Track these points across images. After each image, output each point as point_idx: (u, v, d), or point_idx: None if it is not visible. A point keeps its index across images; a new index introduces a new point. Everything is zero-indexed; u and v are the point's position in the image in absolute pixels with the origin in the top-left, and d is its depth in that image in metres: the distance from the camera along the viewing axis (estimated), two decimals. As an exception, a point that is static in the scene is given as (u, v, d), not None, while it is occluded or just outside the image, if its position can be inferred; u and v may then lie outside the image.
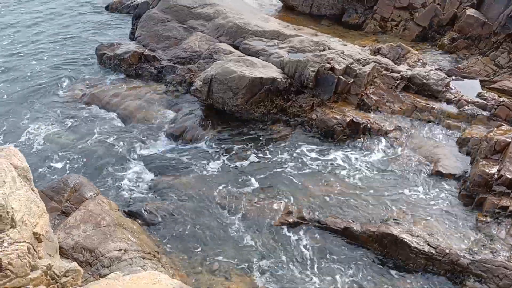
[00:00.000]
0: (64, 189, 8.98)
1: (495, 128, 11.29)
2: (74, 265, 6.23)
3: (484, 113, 12.36)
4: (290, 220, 10.16)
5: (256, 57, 15.17)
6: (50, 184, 9.51)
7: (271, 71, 14.18)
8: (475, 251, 8.90)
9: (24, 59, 18.76)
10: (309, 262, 9.24)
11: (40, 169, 11.98)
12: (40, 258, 5.70)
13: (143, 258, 7.95)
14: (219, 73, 13.85)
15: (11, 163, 5.94)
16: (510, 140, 10.43)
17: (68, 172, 11.77)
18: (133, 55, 16.80)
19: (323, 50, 14.98)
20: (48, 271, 5.69)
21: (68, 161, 12.40)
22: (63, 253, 7.47)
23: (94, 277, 7.14)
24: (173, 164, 12.21)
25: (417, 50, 15.92)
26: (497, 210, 9.55)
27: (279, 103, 13.92)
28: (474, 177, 10.20)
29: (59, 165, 12.18)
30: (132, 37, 19.22)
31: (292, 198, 10.72)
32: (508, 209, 9.42)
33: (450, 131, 12.29)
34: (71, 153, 12.74)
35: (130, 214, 10.10)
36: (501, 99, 12.60)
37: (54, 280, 5.75)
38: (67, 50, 19.50)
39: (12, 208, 5.44)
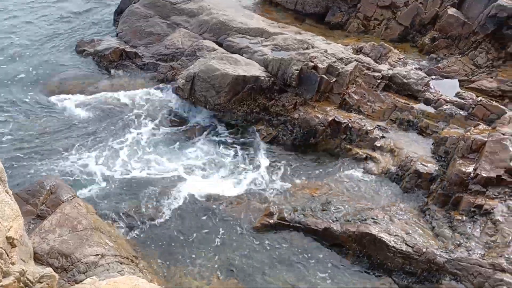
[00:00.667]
0: (40, 192, 8.79)
1: (472, 128, 11.47)
2: (49, 270, 6.14)
3: (462, 112, 12.55)
4: (271, 221, 10.20)
5: (240, 54, 15.13)
6: (25, 187, 9.29)
7: (254, 69, 14.15)
8: (451, 249, 9.08)
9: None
10: (289, 263, 9.30)
11: (13, 167, 11.67)
12: (13, 263, 5.60)
13: (121, 263, 7.87)
14: (202, 70, 13.78)
15: (-17, 167, 5.81)
16: (486, 139, 10.61)
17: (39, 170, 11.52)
18: (114, 52, 16.56)
19: (307, 48, 15.00)
20: (22, 277, 5.59)
21: (38, 157, 12.07)
22: (38, 258, 7.34)
23: (69, 283, 7.04)
24: (151, 163, 12.10)
25: (398, 49, 16.04)
26: (472, 209, 9.72)
27: (262, 102, 13.91)
28: (451, 176, 10.36)
29: (28, 163, 11.86)
30: (114, 33, 18.94)
31: (273, 200, 10.74)
32: (483, 208, 9.61)
33: (428, 131, 12.44)
34: (41, 149, 12.41)
35: (107, 218, 9.95)
36: (479, 98, 12.80)
37: (27, 287, 5.66)
38: (45, 45, 19.03)
39: (-17, 213, 5.32)
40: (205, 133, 13.33)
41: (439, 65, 14.95)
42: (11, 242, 5.87)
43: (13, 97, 14.97)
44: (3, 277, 5.39)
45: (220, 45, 16.16)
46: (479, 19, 15.21)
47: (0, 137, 12.90)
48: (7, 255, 5.65)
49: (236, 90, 13.69)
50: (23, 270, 5.64)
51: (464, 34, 15.71)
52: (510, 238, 8.98)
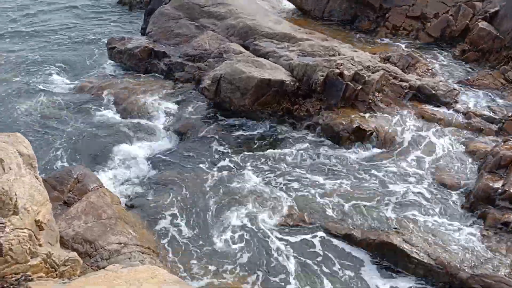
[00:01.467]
0: (68, 180, 9.02)
1: (502, 143, 11.21)
2: (73, 255, 6.26)
3: (491, 126, 12.29)
4: (291, 222, 10.15)
5: (266, 58, 15.19)
6: (53, 174, 9.56)
7: (279, 73, 14.18)
8: (475, 265, 8.84)
9: (33, 52, 18.88)
10: (306, 266, 9.23)
11: (44, 158, 12.04)
12: (40, 245, 5.73)
13: (142, 253, 7.96)
14: (228, 72, 13.88)
15: (17, 150, 5.98)
16: (516, 155, 10.35)
17: (68, 161, 11.85)
18: (143, 50, 16.88)
19: (333, 55, 14.95)
20: (48, 259, 5.71)
21: (70, 151, 12.44)
22: (63, 243, 7.50)
23: (92, 268, 7.17)
24: (177, 160, 12.24)
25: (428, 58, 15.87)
26: (499, 226, 9.48)
27: (286, 105, 13.92)
28: (478, 191, 10.13)
29: (61, 154, 12.23)
30: (143, 32, 19.32)
31: (294, 201, 10.71)
32: (510, 225, 9.35)
33: (457, 142, 12.21)
34: (75, 143, 12.80)
35: (132, 208, 10.13)
36: (510, 113, 12.52)
37: (53, 268, 5.77)
38: (77, 42, 19.61)
39: (15, 194, 5.47)
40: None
41: (469, 78, 14.71)
42: (39, 225, 6.01)
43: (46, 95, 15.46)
44: (31, 258, 5.51)
45: (247, 48, 16.27)
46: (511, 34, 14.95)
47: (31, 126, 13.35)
48: (36, 237, 5.78)
49: (261, 93, 13.73)
50: (49, 252, 5.76)
51: (496, 48, 15.44)
52: (537, 256, 8.71)
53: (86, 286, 4.56)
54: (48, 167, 11.66)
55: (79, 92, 15.63)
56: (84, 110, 14.57)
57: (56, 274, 5.74)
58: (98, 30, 21.11)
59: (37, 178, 6.47)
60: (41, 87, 16.05)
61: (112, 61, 17.67)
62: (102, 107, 14.69)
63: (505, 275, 8.53)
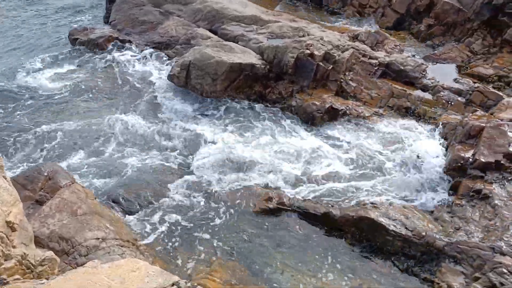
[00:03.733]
0: (38, 178, 8.69)
1: (470, 113, 11.52)
2: (50, 254, 6.06)
3: (459, 98, 12.59)
4: (270, 206, 10.17)
5: (235, 42, 14.99)
6: (23, 172, 9.20)
7: (250, 57, 14.04)
8: (450, 233, 9.13)
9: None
10: (289, 247, 9.30)
11: (12, 154, 11.55)
12: (14, 247, 5.51)
13: (121, 246, 7.81)
14: (197, 58, 13.64)
15: (-20, 150, 5.69)
16: (484, 125, 10.65)
17: (40, 157, 11.44)
18: (108, 40, 16.34)
19: (302, 36, 14.90)
20: (23, 261, 5.50)
21: (39, 146, 11.98)
22: (39, 242, 7.26)
23: (71, 266, 6.98)
24: (151, 147, 12.01)
25: (394, 37, 16.03)
26: (471, 193, 9.78)
27: (258, 89, 13.85)
28: (450, 161, 10.41)
29: (32, 151, 11.77)
30: (107, 21, 18.67)
31: (272, 184, 10.72)
32: (482, 192, 9.66)
33: (426, 117, 12.47)
34: (40, 138, 12.31)
35: (107, 202, 9.90)
36: (476, 84, 12.85)
37: (29, 270, 5.57)
38: (37, 34, 18.77)
39: (-18, 196, 5.22)
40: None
41: (436, 52, 14.97)
42: (11, 226, 5.79)
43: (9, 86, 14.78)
44: (5, 260, 5.30)
45: (215, 33, 16.00)
46: (474, 7, 15.22)
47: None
48: (8, 239, 5.56)
49: (232, 77, 13.59)
50: (24, 253, 5.55)
51: (460, 21, 15.71)
52: (509, 221, 9.04)
53: (65, 285, 4.41)
54: (17, 166, 11.20)
55: (39, 88, 14.95)
56: (46, 105, 13.98)
57: (33, 275, 5.55)
58: (60, 21, 20.22)
59: (5, 178, 6.20)
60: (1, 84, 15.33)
61: (74, 52, 17.00)
62: (66, 100, 14.13)
63: (479, 240, 8.85)
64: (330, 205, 10.11)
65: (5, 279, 5.01)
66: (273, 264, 8.91)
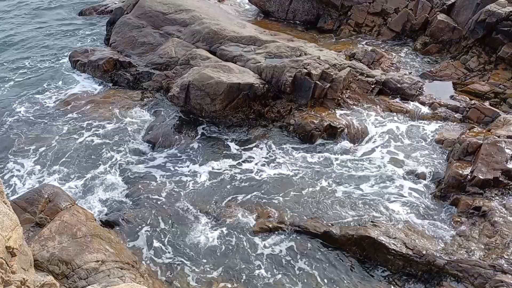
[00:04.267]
0: (38, 200, 8.72)
1: (467, 130, 11.59)
2: (49, 278, 6.05)
3: (456, 115, 12.70)
4: (270, 225, 10.16)
5: (233, 62, 15.18)
6: (23, 195, 9.22)
7: (248, 77, 14.20)
8: (451, 251, 9.09)
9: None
10: (289, 267, 9.26)
11: (12, 177, 11.62)
12: (13, 272, 5.50)
13: (121, 269, 7.79)
14: (196, 79, 13.80)
15: (-19, 175, 5.73)
16: (481, 142, 10.72)
17: (41, 179, 11.50)
18: (108, 61, 16.56)
19: (300, 55, 15.11)
20: (23, 286, 5.49)
21: (41, 168, 12.07)
22: (38, 265, 7.25)
23: (70, 290, 6.96)
24: (150, 171, 12.06)
25: (392, 53, 16.26)
26: (471, 211, 9.78)
27: (257, 108, 13.96)
28: (448, 179, 10.44)
29: (32, 172, 11.85)
30: (107, 43, 18.94)
31: (271, 203, 10.72)
32: (481, 210, 9.67)
33: (424, 132, 12.53)
34: (44, 160, 12.41)
35: (107, 224, 9.90)
36: (472, 101, 12.97)
37: (28, 295, 5.57)
38: (38, 57, 19.02)
39: (-17, 222, 5.24)
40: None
41: (432, 69, 15.15)
42: (11, 251, 5.79)
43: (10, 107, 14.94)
44: (4, 286, 5.29)
45: (214, 53, 16.21)
46: (469, 25, 15.48)
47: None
48: (7, 265, 5.56)
49: (231, 97, 13.72)
50: (24, 279, 5.54)
51: (455, 39, 15.98)
52: (509, 239, 9.02)
53: (65, 310, 4.41)
54: (17, 188, 11.25)
55: (41, 109, 15.12)
56: (48, 127, 14.11)
57: (33, 301, 5.54)
58: (61, 43, 20.51)
59: (5, 203, 6.23)
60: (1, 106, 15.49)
61: (76, 75, 17.21)
62: (68, 123, 14.28)
63: (479, 258, 8.81)
64: (330, 224, 10.09)
65: (4, 306, 4.99)
66: (274, 285, 8.86)
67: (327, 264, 9.36)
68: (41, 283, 5.79)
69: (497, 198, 9.83)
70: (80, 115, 14.60)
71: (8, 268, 5.46)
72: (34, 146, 13.12)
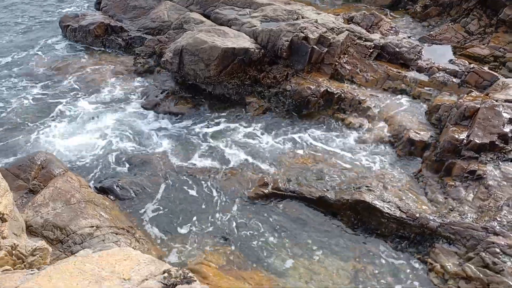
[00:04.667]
0: (31, 167, 8.67)
1: (465, 95, 11.43)
2: (41, 243, 6.06)
3: (454, 80, 12.49)
4: (266, 191, 10.18)
5: (228, 26, 14.80)
6: (15, 162, 9.16)
7: (243, 41, 13.87)
8: (444, 214, 9.16)
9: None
10: (284, 231, 9.34)
11: (4, 143, 11.54)
12: (4, 238, 5.50)
13: (116, 234, 7.83)
14: (190, 43, 13.47)
15: (-33, 141, 5.63)
16: (479, 106, 10.59)
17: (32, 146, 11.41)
18: (99, 26, 16.14)
19: (297, 19, 14.72)
20: (13, 251, 5.50)
21: (31, 135, 11.94)
22: (32, 231, 7.27)
23: (65, 254, 7.01)
24: (145, 137, 11.97)
25: (389, 18, 15.84)
26: (465, 175, 9.78)
27: (252, 74, 13.70)
28: (444, 143, 10.37)
29: (25, 139, 11.74)
30: (98, 7, 18.41)
31: (267, 170, 10.71)
32: (476, 173, 9.66)
33: (421, 99, 12.38)
34: (35, 127, 12.29)
35: (102, 190, 9.90)
36: (471, 65, 12.73)
37: (20, 260, 5.58)
38: (28, 22, 18.52)
39: (-29, 187, 5.19)
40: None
41: (431, 32, 14.80)
42: (1, 217, 5.76)
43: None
44: (-5, 251, 5.30)
45: (208, 17, 15.80)
46: (471, -14, 15.02)
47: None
48: (-2, 230, 5.55)
49: (226, 62, 13.44)
50: (14, 244, 5.54)
51: (456, 1, 15.54)
52: (502, 202, 9.06)
53: (55, 275, 4.41)
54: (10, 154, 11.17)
55: (32, 74, 14.82)
56: (41, 92, 13.90)
57: (25, 265, 5.56)
58: (51, 8, 19.93)
59: (-7, 169, 6.16)
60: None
61: (66, 40, 16.82)
62: (59, 88, 14.03)
63: (472, 221, 8.88)
64: (325, 189, 10.11)
65: (-5, 270, 5.01)
66: (269, 249, 8.96)
67: (322, 228, 9.43)
68: (33, 247, 5.81)
69: (492, 162, 9.80)
70: (72, 81, 14.33)
71: (-1, 233, 5.46)
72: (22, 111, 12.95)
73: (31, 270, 4.79)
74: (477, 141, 9.97)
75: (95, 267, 4.63)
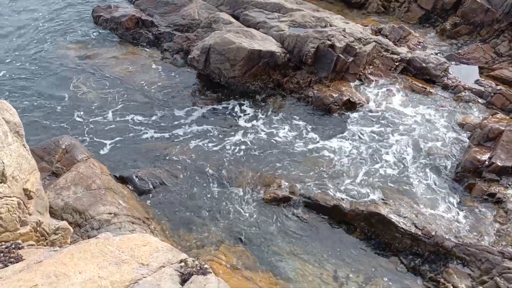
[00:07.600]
0: (56, 150, 8.86)
1: (490, 116, 11.32)
2: (64, 223, 6.21)
3: (480, 100, 12.37)
4: (281, 194, 10.20)
5: (256, 29, 14.92)
6: (41, 144, 9.37)
7: (270, 45, 13.96)
8: (460, 235, 9.05)
9: (14, 22, 18.16)
10: (296, 237, 9.34)
11: (32, 127, 11.80)
12: (30, 214, 5.66)
13: (133, 223, 7.96)
14: (218, 43, 13.61)
15: (2, 118, 5.81)
16: (503, 128, 10.48)
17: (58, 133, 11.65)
18: (131, 19, 16.41)
19: (325, 26, 14.76)
20: (38, 228, 5.66)
21: (59, 122, 12.22)
22: (53, 213, 7.43)
23: (83, 238, 7.15)
24: (165, 131, 12.12)
25: (418, 33, 15.75)
26: (485, 197, 9.67)
27: (276, 77, 13.78)
28: (466, 163, 10.28)
29: (51, 125, 12.01)
30: (131, 0, 18.73)
31: (284, 173, 10.74)
32: (496, 196, 9.55)
33: (447, 115, 12.27)
34: (64, 114, 12.56)
35: (121, 180, 10.05)
36: (498, 87, 12.59)
37: (43, 237, 5.73)
38: (61, 11, 18.92)
39: (3, 163, 5.35)
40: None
41: (459, 51, 14.68)
42: (28, 194, 5.93)
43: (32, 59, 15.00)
44: (21, 226, 5.45)
45: (237, 18, 15.94)
46: (504, 7, 14.86)
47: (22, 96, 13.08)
48: (25, 206, 5.70)
49: (251, 64, 13.54)
50: (39, 220, 5.70)
51: (487, 21, 15.37)
52: (521, 227, 8.94)
53: (77, 254, 4.53)
54: (36, 136, 11.41)
55: (64, 59, 15.17)
56: (68, 78, 14.19)
57: (47, 243, 5.71)
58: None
59: (24, 147, 6.33)
60: (23, 53, 15.55)
61: (98, 30, 17.14)
62: (87, 76, 14.32)
63: (488, 244, 8.77)
64: (340, 198, 10.09)
65: (20, 244, 5.17)
66: (280, 253, 8.97)
67: (334, 238, 9.41)
68: (56, 226, 5.97)
69: (513, 186, 9.67)
70: (99, 70, 14.60)
71: (25, 208, 5.62)
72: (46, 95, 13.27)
73: (54, 248, 4.92)
74: (499, 164, 9.85)
75: (116, 249, 4.74)
